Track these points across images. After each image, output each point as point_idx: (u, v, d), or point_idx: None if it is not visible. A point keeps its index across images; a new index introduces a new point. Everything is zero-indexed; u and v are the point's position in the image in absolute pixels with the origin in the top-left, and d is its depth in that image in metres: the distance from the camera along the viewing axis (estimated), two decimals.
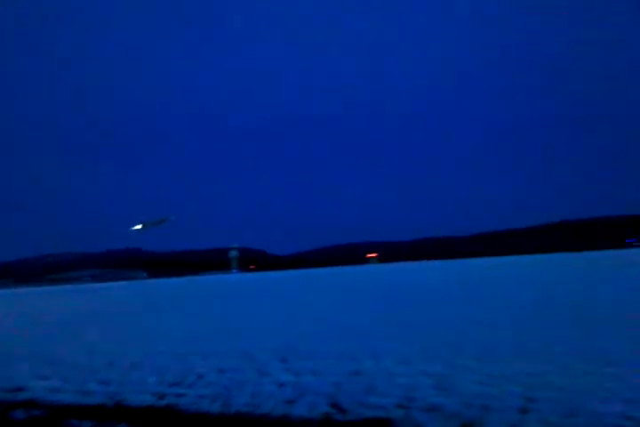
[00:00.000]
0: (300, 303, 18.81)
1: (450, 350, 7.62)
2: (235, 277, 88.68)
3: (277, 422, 5.04)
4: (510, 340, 8.06)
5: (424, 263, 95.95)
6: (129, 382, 7.03)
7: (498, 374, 6.01)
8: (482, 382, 5.68)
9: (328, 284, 35.90)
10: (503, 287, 19.97)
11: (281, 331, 11.01)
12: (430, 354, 7.39)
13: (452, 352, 7.42)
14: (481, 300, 15.05)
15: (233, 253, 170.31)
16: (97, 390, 6.67)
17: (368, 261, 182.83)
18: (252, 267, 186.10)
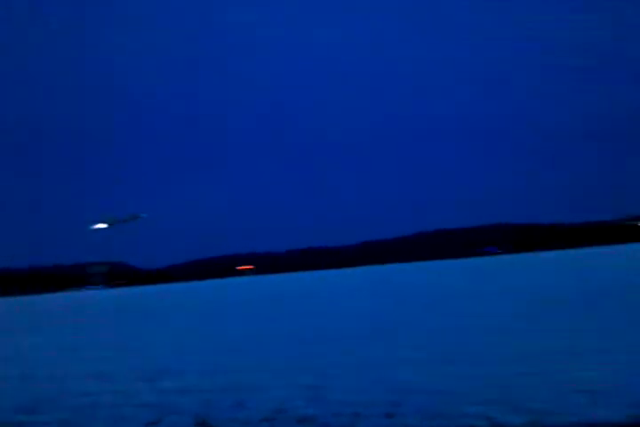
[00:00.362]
0: (171, 320, 17.89)
1: (321, 360, 7.68)
2: (99, 294, 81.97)
3: None
4: (375, 349, 8.39)
5: (302, 274, 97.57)
6: None
7: (367, 381, 6.16)
8: (352, 391, 5.76)
9: (201, 298, 34.77)
10: (375, 297, 20.92)
11: (148, 350, 10.29)
12: (303, 365, 7.38)
13: (323, 363, 7.49)
14: (352, 310, 15.58)
15: (97, 268, 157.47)
16: None
17: (243, 273, 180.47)
18: (118, 282, 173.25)
